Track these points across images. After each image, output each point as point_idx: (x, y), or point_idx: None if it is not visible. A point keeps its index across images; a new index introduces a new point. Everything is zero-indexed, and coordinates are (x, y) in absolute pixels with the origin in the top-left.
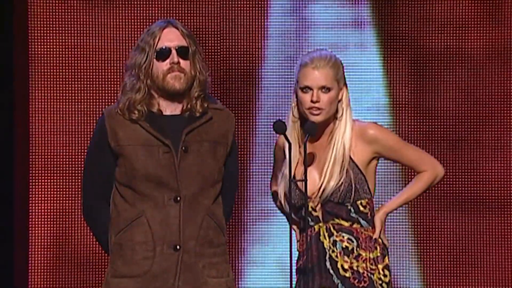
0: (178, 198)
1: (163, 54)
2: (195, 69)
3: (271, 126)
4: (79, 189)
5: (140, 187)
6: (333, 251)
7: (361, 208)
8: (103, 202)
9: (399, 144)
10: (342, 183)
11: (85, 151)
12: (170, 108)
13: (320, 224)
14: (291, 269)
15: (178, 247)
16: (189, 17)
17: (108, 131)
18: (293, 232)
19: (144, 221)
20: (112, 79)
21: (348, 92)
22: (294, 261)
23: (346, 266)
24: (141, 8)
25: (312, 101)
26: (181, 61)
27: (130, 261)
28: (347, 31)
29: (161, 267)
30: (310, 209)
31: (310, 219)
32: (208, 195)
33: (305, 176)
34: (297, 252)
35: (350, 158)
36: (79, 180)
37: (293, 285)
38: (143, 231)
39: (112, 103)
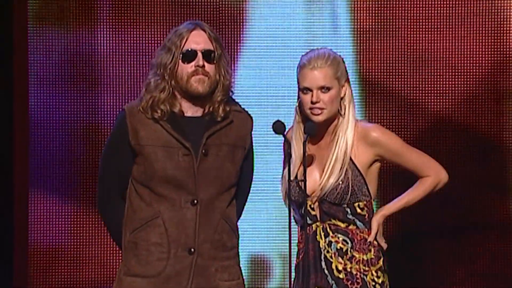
0: (195, 201)
1: (189, 56)
2: (219, 74)
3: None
4: (79, 188)
5: (158, 188)
6: (328, 252)
7: (358, 210)
8: (118, 197)
9: (402, 148)
10: (339, 183)
11: (84, 150)
12: (191, 110)
13: (318, 224)
14: (290, 268)
15: (192, 250)
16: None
17: (129, 128)
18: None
19: (160, 222)
20: (112, 77)
21: (351, 88)
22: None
23: (340, 267)
24: (141, 8)
25: (312, 102)
26: (206, 64)
27: (144, 261)
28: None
29: (175, 269)
30: (308, 207)
31: (308, 218)
32: (224, 198)
33: (305, 176)
34: (297, 249)
35: (351, 159)
36: (79, 180)
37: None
38: (159, 232)
39: (112, 102)
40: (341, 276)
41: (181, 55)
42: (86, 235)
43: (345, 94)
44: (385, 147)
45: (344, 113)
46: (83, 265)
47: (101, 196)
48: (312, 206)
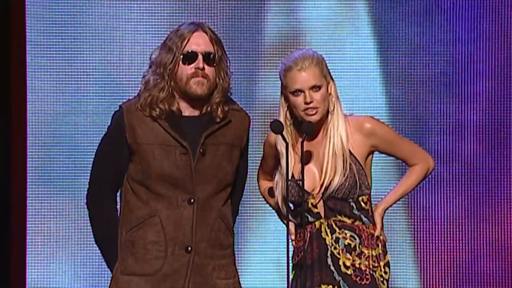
0: (192, 200)
1: (189, 58)
2: (219, 76)
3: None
4: (77, 189)
5: (155, 187)
6: (335, 248)
7: (363, 205)
8: (109, 195)
9: (395, 138)
10: (346, 178)
11: (83, 150)
12: (189, 110)
13: (321, 221)
14: (288, 266)
15: (189, 248)
16: (184, 14)
17: (126, 126)
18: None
19: (157, 221)
20: (110, 77)
21: (335, 84)
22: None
23: (348, 264)
24: (139, 5)
25: (306, 103)
26: (206, 67)
27: (141, 259)
28: (344, 29)
29: (172, 267)
30: (310, 205)
31: (309, 216)
32: (221, 197)
33: (302, 176)
34: (293, 248)
35: (350, 152)
36: (78, 180)
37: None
38: (156, 230)
39: (111, 102)
40: (349, 272)
41: (181, 56)
42: (84, 235)
43: (331, 91)
44: (380, 136)
45: (334, 110)
46: (81, 264)
47: (91, 193)
48: (314, 203)
